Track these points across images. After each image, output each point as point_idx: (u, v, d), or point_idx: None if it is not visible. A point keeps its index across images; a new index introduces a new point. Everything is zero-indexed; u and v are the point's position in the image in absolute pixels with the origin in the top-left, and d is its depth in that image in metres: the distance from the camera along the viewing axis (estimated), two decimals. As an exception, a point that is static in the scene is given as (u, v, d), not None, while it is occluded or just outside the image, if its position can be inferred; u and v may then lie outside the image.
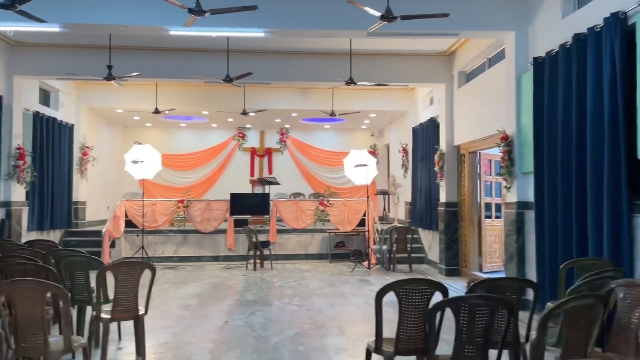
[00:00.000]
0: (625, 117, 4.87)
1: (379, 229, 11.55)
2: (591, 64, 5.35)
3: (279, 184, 13.51)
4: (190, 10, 5.65)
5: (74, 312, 5.13)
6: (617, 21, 4.95)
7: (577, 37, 5.64)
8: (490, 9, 7.11)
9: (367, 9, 5.61)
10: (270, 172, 16.40)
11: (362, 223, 11.95)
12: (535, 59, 6.52)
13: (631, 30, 4.86)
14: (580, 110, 5.54)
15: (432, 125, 10.81)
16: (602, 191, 5.12)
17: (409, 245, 10.45)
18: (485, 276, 8.55)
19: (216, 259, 11.71)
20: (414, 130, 12.04)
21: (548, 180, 6.18)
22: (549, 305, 4.94)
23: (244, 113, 11.68)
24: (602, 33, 5.18)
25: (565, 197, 5.82)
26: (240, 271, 10.48)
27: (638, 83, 4.73)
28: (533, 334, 3.97)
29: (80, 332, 5.20)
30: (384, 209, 14.91)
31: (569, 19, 6.08)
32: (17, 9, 5.36)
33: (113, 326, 5.11)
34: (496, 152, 9.04)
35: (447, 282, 9.04)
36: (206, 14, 5.74)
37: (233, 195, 11.85)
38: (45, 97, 10.98)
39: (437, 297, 3.45)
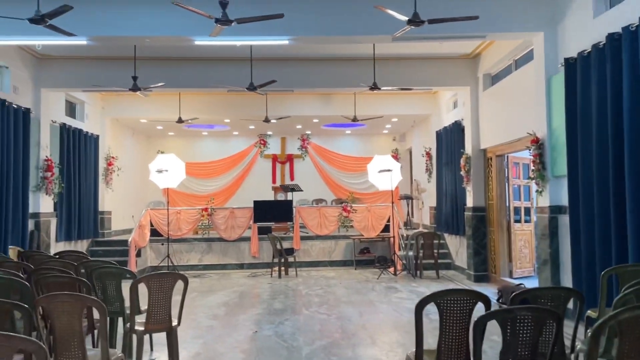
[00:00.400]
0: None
1: (404, 235, 11.43)
2: (627, 64, 5.20)
3: (301, 190, 13.48)
4: (217, 20, 5.65)
5: (106, 324, 5.13)
6: (655, 19, 4.80)
7: (611, 37, 5.49)
8: (518, 10, 6.97)
9: (394, 13, 5.54)
10: (292, 178, 16.40)
11: (386, 229, 11.85)
12: (566, 59, 6.37)
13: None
14: (617, 112, 5.38)
15: (456, 129, 10.68)
16: (643, 194, 4.96)
17: (435, 251, 10.30)
18: (516, 282, 8.37)
19: (241, 266, 11.71)
20: (438, 134, 11.91)
21: (583, 183, 6.02)
22: (590, 313, 4.80)
23: (267, 120, 11.69)
24: (638, 32, 5.03)
25: (602, 200, 5.65)
26: (266, 279, 10.45)
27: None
28: (578, 345, 3.85)
29: (111, 344, 5.20)
30: (408, 214, 14.76)
31: (601, 18, 5.93)
32: (47, 24, 5.43)
33: (145, 337, 5.10)
34: (524, 155, 8.90)
35: (477, 288, 8.88)
36: (232, 24, 5.73)
37: (256, 203, 11.85)
38: (71, 109, 11.14)
39: (479, 308, 3.36)
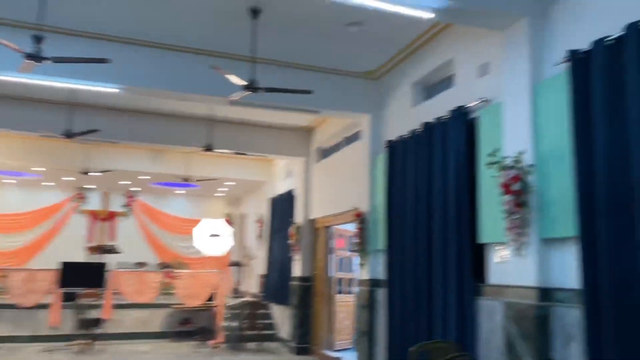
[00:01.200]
0: (469, 202, 5.19)
1: (229, 304, 10.90)
2: (438, 150, 5.70)
3: (118, 252, 12.26)
4: (28, 56, 4.93)
5: None
6: (461, 114, 5.40)
7: (426, 125, 6.03)
8: (348, 92, 7.41)
9: (231, 77, 5.44)
10: (112, 237, 14.92)
11: (212, 297, 11.18)
12: (388, 142, 6.85)
13: (473, 122, 5.34)
14: (429, 193, 5.82)
15: (289, 198, 10.79)
16: (448, 273, 5.31)
17: (260, 322, 9.94)
18: (336, 355, 8.37)
19: (35, 339, 9.96)
20: (272, 201, 11.92)
21: (398, 259, 6.33)
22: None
23: (85, 172, 10.57)
24: (448, 123, 5.59)
25: (415, 277, 5.95)
26: (64, 355, 9.01)
27: (478, 170, 5.14)
28: None
29: None
30: (238, 282, 14.29)
31: (419, 108, 6.54)
32: None
33: None
34: (350, 228, 9.23)
35: (299, 362, 8.69)
36: (48, 61, 5.06)
37: (64, 265, 10.36)
38: None
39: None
